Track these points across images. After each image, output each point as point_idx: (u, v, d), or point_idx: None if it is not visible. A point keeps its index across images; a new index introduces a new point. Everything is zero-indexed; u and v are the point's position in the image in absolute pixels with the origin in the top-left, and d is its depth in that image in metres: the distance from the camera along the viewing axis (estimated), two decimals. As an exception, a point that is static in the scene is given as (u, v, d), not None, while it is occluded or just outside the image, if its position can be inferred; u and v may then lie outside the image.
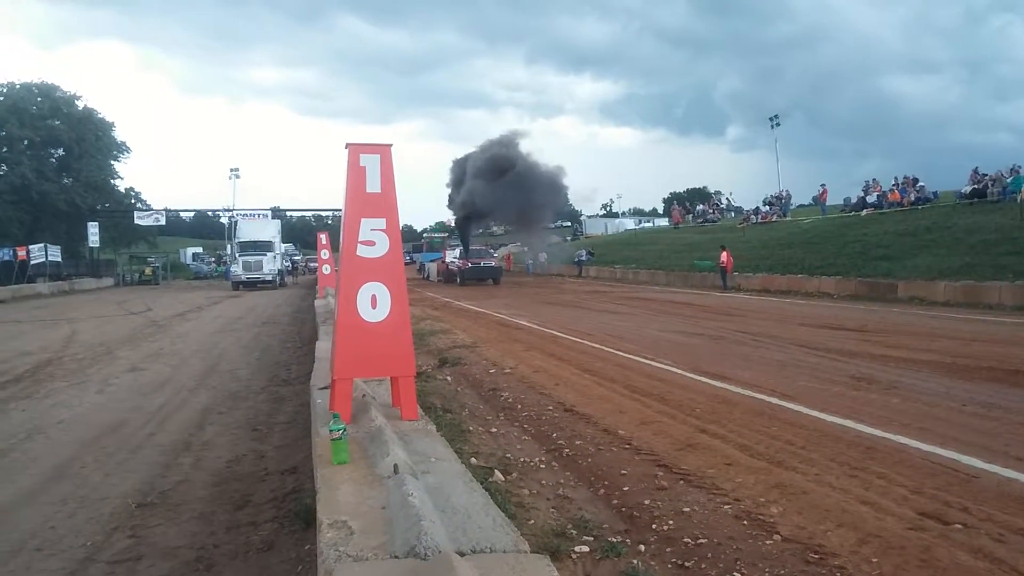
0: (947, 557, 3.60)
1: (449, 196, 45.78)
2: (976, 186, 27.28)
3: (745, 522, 4.19)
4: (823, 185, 38.95)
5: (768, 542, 3.90)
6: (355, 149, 4.78)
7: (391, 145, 4.88)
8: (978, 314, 15.14)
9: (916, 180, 31.37)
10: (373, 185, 4.78)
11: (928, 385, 7.79)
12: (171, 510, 4.71)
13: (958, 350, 9.98)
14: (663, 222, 65.47)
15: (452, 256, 39.35)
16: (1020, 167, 26.31)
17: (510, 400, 7.85)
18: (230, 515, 4.59)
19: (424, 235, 63.93)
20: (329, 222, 57.54)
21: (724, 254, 25.34)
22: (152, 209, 53.93)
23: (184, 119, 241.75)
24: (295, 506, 4.52)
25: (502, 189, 37.39)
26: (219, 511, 4.68)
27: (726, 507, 4.44)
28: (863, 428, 6.05)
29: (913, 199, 29.72)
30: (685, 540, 3.98)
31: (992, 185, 26.48)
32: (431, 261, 44.90)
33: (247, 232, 39.21)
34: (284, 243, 45.47)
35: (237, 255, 38.06)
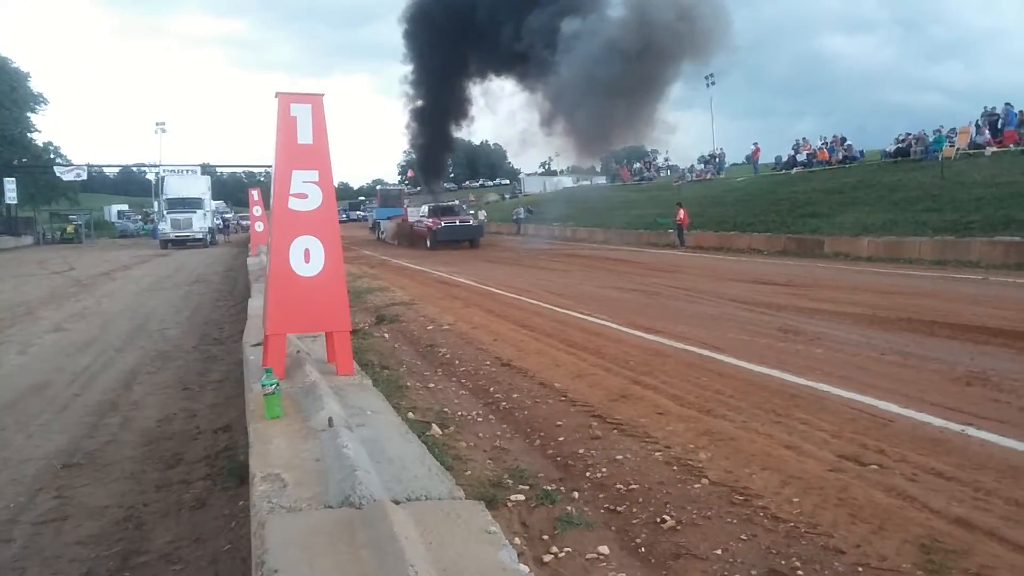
0: (863, 496, 3.79)
1: (413, 83, 33.15)
2: (900, 145, 28.27)
3: (675, 468, 4.33)
4: (755, 144, 39.78)
5: (696, 486, 4.05)
6: (285, 99, 4.64)
7: (323, 95, 4.75)
8: (899, 268, 15.75)
9: (844, 139, 32.33)
10: (304, 136, 4.66)
11: (850, 336, 8.10)
12: (99, 470, 4.61)
13: (879, 302, 10.39)
14: (601, 180, 65.83)
15: (417, 213, 30.95)
16: (943, 128, 27.36)
17: (448, 356, 7.86)
18: (161, 474, 4.52)
19: (379, 187, 54.83)
20: (262, 179, 55.96)
21: (681, 211, 25.44)
22: (73, 164, 51.54)
23: (107, 69, 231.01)
24: (228, 463, 4.47)
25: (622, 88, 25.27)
26: (149, 470, 4.60)
27: (657, 454, 4.57)
28: (788, 377, 6.28)
29: (841, 158, 30.66)
30: (617, 486, 4.10)
31: (915, 144, 27.47)
32: (387, 218, 36.31)
33: (175, 188, 37.93)
34: (215, 200, 44.15)
35: (165, 212, 36.83)
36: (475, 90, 33.64)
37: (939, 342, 7.67)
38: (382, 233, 36.07)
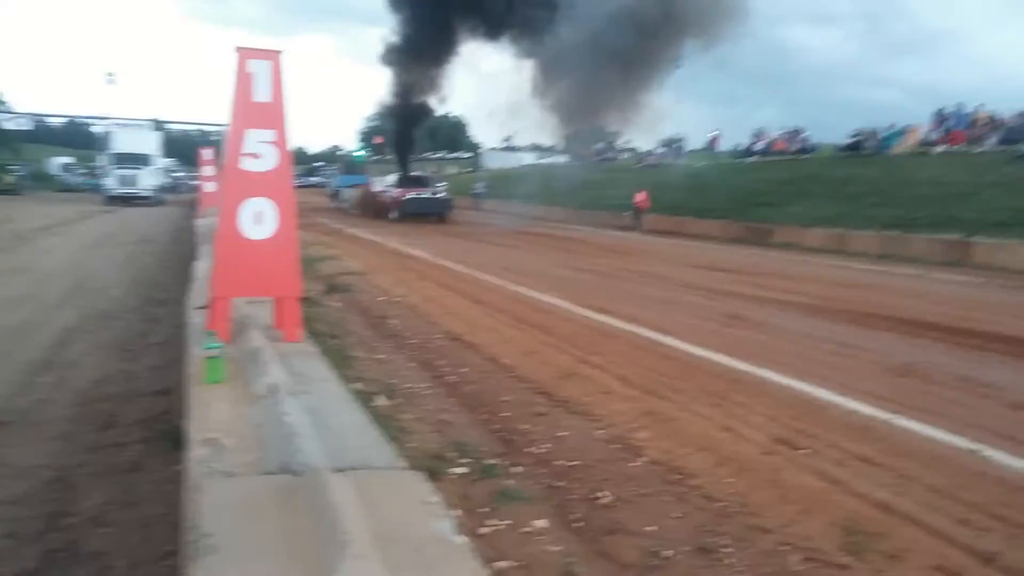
0: (794, 478, 3.92)
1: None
2: (854, 139, 28.93)
3: (616, 446, 4.40)
4: (716, 130, 40.18)
5: (635, 464, 4.12)
6: (243, 54, 4.50)
7: (282, 52, 4.64)
8: (844, 260, 16.16)
9: (800, 131, 32.90)
10: (262, 94, 4.53)
11: (793, 324, 8.30)
12: (30, 430, 4.48)
13: (823, 293, 10.67)
14: (562, 158, 65.77)
15: (384, 183, 28.68)
16: (895, 124, 28.07)
17: (398, 328, 7.83)
18: (94, 435, 4.42)
19: (341, 152, 53.38)
20: (215, 139, 54.34)
21: (641, 194, 25.43)
22: (16, 113, 49.49)
23: (55, 15, 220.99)
24: (166, 427, 4.38)
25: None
26: (83, 431, 4.49)
27: (599, 432, 4.64)
28: (731, 362, 6.41)
29: (797, 149, 31.26)
30: (559, 462, 4.15)
31: (868, 139, 28.14)
32: (349, 186, 33.88)
33: (123, 143, 36.70)
34: (165, 158, 42.92)
35: (112, 168, 35.68)
36: (461, 53, 30.68)
37: (877, 334, 7.90)
38: (343, 202, 33.72)
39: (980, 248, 15.63)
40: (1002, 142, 23.64)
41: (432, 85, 30.47)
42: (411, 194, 26.23)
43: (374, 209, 27.99)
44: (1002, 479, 3.99)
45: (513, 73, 28.26)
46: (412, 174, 30.03)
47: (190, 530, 2.26)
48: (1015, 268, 14.40)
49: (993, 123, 25.25)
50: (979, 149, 23.97)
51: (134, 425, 4.60)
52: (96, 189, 42.40)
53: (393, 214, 26.14)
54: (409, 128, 31.55)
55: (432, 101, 31.43)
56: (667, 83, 27.08)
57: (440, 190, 28.07)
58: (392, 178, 28.78)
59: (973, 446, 4.45)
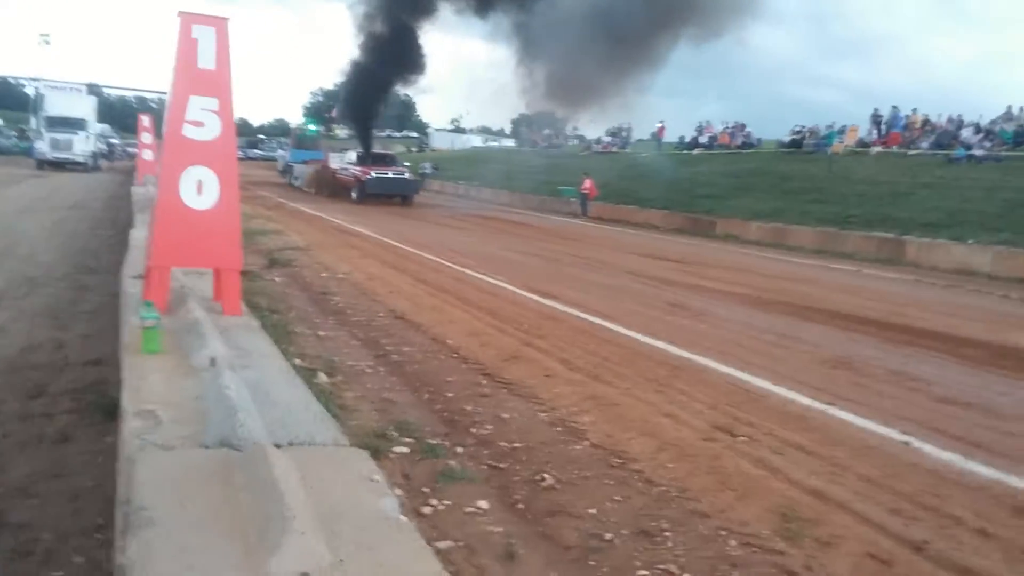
0: (732, 465, 3.99)
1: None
2: (795, 136, 29.64)
3: (559, 429, 4.43)
4: (661, 122, 40.44)
5: (577, 447, 4.16)
6: (187, 19, 4.35)
7: (228, 19, 4.49)
8: (782, 254, 16.56)
9: (744, 126, 33.53)
10: (206, 61, 4.39)
11: (733, 314, 8.48)
12: (-49, 398, 4.28)
13: (761, 285, 10.92)
14: (510, 142, 65.72)
15: (342, 159, 26.97)
16: (835, 124, 28.82)
17: (341, 305, 7.72)
18: (22, 404, 4.23)
19: (294, 126, 48.39)
20: (154, 105, 52.46)
21: (588, 181, 25.48)
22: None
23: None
24: (97, 398, 4.23)
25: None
26: (9, 400, 4.29)
27: (542, 415, 4.66)
28: (673, 349, 6.51)
29: (740, 143, 31.87)
30: (501, 444, 4.16)
31: (809, 137, 28.87)
32: (302, 162, 31.35)
33: (57, 106, 35.15)
34: (101, 123, 41.27)
35: (44, 131, 34.17)
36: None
37: (812, 326, 8.12)
38: (295, 179, 31.16)
39: (912, 247, 16.19)
40: (935, 146, 24.53)
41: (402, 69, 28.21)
42: (375, 173, 24.41)
43: (331, 188, 26.21)
44: (931, 470, 4.12)
45: (492, 50, 27.16)
46: (376, 151, 28.00)
47: (124, 503, 2.19)
48: (945, 267, 14.97)
49: (927, 127, 26.18)
50: (914, 151, 24.82)
51: (64, 395, 4.42)
52: (27, 153, 40.55)
53: (354, 194, 24.40)
54: (375, 98, 28.70)
55: (405, 74, 28.92)
56: (657, 72, 26.23)
57: (404, 170, 26.57)
58: (353, 155, 26.99)
59: (903, 438, 4.58)
